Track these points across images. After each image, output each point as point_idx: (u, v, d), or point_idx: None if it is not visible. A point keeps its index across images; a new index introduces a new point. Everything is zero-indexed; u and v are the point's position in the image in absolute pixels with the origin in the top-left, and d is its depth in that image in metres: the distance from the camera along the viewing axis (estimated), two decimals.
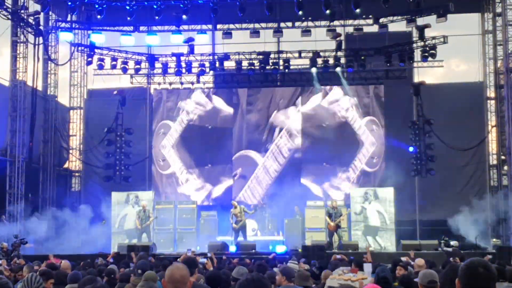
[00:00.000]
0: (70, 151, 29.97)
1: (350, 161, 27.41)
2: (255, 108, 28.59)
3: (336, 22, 26.53)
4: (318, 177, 27.51)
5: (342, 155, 27.46)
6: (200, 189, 28.29)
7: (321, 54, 26.87)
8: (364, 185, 26.89)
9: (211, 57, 28.02)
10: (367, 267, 10.67)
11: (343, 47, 27.06)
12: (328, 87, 28.05)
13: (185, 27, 26.63)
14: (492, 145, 27.42)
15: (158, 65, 28.37)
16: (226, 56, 27.51)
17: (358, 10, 23.94)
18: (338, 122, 27.82)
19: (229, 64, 28.20)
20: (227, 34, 26.37)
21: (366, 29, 26.46)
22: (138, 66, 28.01)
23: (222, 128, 28.53)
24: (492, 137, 27.32)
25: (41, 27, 25.02)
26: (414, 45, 26.44)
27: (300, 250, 21.03)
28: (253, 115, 28.52)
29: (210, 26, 27.30)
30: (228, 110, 28.62)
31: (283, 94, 28.49)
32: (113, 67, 27.58)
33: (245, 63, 27.42)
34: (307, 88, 28.24)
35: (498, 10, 26.23)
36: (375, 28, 26.36)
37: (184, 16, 24.70)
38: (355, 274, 9.90)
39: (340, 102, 27.87)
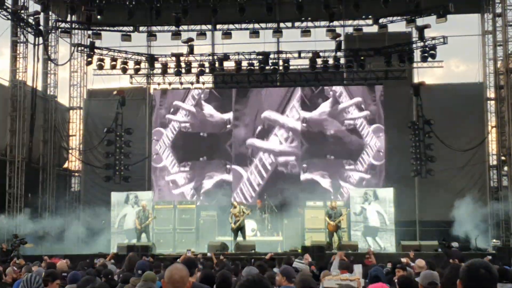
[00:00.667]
0: (70, 151, 29.95)
1: (358, 156, 27.40)
2: (242, 123, 28.59)
3: (335, 23, 26.51)
4: (326, 172, 27.51)
5: (349, 151, 27.51)
6: (190, 182, 28.35)
7: (321, 54, 26.88)
8: (372, 178, 27.03)
9: (210, 57, 28.04)
10: (357, 268, 10.66)
11: (342, 47, 27.08)
12: (338, 92, 27.98)
13: (185, 27, 26.62)
14: (492, 146, 27.39)
15: (157, 65, 28.38)
16: (226, 56, 27.52)
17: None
18: (345, 129, 27.78)
19: (229, 64, 28.22)
20: (227, 34, 26.37)
21: (366, 30, 26.48)
22: (137, 66, 28.01)
23: (214, 134, 28.51)
24: (492, 137, 27.29)
25: (41, 27, 25.05)
26: (414, 45, 26.46)
27: (299, 250, 21.02)
28: (239, 129, 28.53)
29: (209, 26, 27.29)
30: (219, 116, 28.61)
31: (268, 106, 28.43)
32: (113, 67, 27.61)
33: (244, 63, 27.45)
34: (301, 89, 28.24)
35: (498, 10, 26.21)
36: (374, 29, 26.38)
37: (183, 16, 24.72)
38: (351, 274, 9.89)
39: (348, 108, 27.82)
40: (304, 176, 27.66)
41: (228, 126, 28.44)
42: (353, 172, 27.35)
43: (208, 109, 28.69)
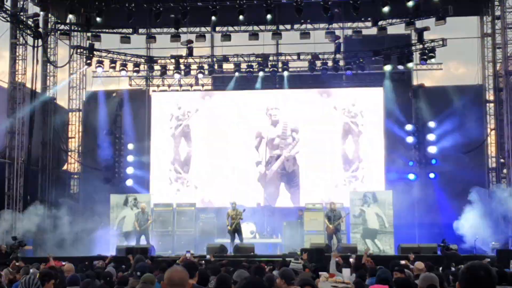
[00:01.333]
0: (69, 153, 29.92)
1: (364, 158, 27.45)
2: (226, 128, 28.75)
3: (335, 25, 26.57)
4: (333, 174, 27.57)
5: (356, 153, 27.56)
6: (177, 185, 28.49)
7: (320, 56, 26.90)
8: (376, 181, 27.04)
9: (210, 59, 28.06)
10: (346, 272, 10.66)
11: (342, 49, 27.09)
12: (343, 93, 28.06)
13: (184, 29, 26.64)
14: (491, 148, 27.38)
15: (157, 67, 28.40)
16: (225, 59, 27.54)
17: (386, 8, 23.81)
18: (352, 130, 27.85)
19: (228, 67, 28.23)
20: (226, 36, 26.38)
21: (365, 32, 26.50)
22: (137, 68, 28.07)
23: (201, 136, 28.66)
24: (491, 140, 27.30)
25: (40, 29, 25.05)
26: (413, 47, 26.47)
27: (299, 253, 20.99)
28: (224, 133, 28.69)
29: (209, 29, 27.30)
30: (206, 118, 28.79)
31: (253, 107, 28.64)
32: (112, 69, 27.64)
33: (244, 66, 27.47)
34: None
35: (497, 13, 26.21)
36: (374, 31, 26.38)
37: (183, 19, 24.71)
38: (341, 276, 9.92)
39: (354, 110, 27.89)
40: (311, 179, 27.68)
41: (216, 126, 28.62)
42: (360, 175, 27.42)
43: (196, 111, 28.78)
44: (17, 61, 25.82)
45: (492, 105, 27.24)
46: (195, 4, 25.20)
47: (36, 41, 24.45)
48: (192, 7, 24.96)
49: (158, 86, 29.44)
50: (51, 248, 23.32)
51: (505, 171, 26.00)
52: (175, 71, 27.86)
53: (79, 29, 27.90)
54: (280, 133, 28.03)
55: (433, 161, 25.58)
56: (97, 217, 25.66)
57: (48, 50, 27.99)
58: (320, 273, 10.27)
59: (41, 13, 25.03)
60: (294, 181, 27.71)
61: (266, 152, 28.03)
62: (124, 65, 27.70)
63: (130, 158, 27.77)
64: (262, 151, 28.11)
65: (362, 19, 26.09)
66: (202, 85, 29.17)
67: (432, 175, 25.62)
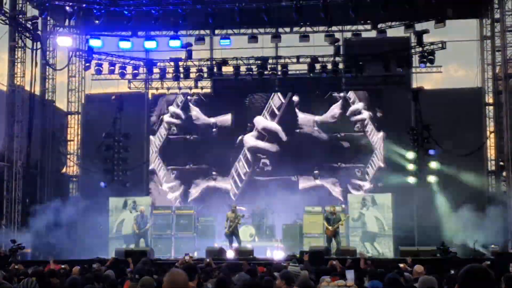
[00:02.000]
0: (68, 156, 29.89)
1: (367, 161, 27.42)
2: (225, 131, 28.78)
3: (334, 28, 26.56)
4: (337, 178, 27.53)
5: (359, 157, 27.57)
6: (176, 188, 28.46)
7: (319, 59, 26.89)
8: (381, 181, 27.10)
9: (209, 62, 28.04)
10: (349, 274, 10.62)
11: (341, 52, 27.09)
12: (351, 97, 28.04)
13: (183, 32, 26.61)
14: (491, 151, 27.36)
15: (156, 70, 28.39)
16: (224, 62, 27.52)
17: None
18: (355, 133, 27.84)
19: (227, 69, 28.22)
20: (225, 39, 26.35)
21: (365, 35, 26.53)
22: (136, 71, 28.05)
23: (200, 139, 28.72)
24: (491, 143, 27.28)
25: (39, 32, 25.02)
26: (413, 50, 26.47)
27: (298, 255, 20.94)
28: (222, 136, 28.77)
29: (208, 32, 27.28)
30: (205, 121, 28.77)
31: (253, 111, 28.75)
32: (111, 72, 27.63)
33: (243, 69, 27.45)
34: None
35: (497, 16, 26.20)
36: (373, 34, 26.39)
37: (182, 21, 24.70)
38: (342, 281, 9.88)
39: (358, 113, 27.87)
40: (311, 181, 27.66)
41: (214, 129, 28.57)
42: (363, 180, 27.41)
43: (195, 114, 28.76)
44: (16, 64, 25.80)
45: (491, 108, 27.24)
46: (194, 7, 25.17)
47: (35, 43, 24.41)
48: (191, 10, 24.94)
49: (157, 89, 29.42)
50: (49, 251, 23.29)
51: (504, 174, 25.99)
52: (174, 74, 27.84)
53: (78, 32, 27.88)
54: (274, 135, 28.07)
55: (433, 164, 25.52)
56: (96, 220, 25.61)
57: (47, 52, 27.97)
58: (322, 277, 10.24)
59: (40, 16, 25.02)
60: (289, 184, 27.63)
61: (260, 155, 28.11)
62: (123, 68, 27.67)
63: (129, 161, 27.71)
64: (253, 154, 28.17)
65: (362, 22, 26.09)
66: (201, 88, 29.12)
67: (431, 178, 25.56)
